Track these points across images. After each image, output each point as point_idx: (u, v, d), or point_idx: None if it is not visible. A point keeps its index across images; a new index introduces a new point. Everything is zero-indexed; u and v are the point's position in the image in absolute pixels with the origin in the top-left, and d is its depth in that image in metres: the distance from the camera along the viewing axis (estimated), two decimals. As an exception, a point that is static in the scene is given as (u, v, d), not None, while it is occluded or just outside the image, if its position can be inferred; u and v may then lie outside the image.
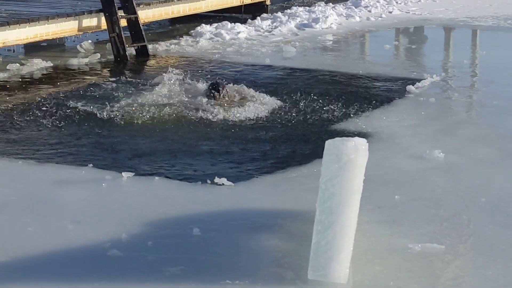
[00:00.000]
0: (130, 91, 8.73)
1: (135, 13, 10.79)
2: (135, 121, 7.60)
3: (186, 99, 8.21)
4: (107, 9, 10.61)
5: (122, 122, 7.57)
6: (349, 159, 4.24)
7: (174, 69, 8.75)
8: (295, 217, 5.25)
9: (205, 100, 8.13)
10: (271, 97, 8.46)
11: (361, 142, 4.34)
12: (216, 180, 5.94)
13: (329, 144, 4.33)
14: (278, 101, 8.36)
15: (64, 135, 7.09)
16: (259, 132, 7.32)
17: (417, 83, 9.13)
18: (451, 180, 6.06)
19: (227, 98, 8.22)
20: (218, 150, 6.76)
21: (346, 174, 4.22)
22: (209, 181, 5.93)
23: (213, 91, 8.18)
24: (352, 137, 6.90)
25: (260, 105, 8.05)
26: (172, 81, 8.45)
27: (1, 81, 9.14)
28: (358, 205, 4.34)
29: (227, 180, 5.94)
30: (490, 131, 7.48)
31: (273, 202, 5.59)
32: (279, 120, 7.70)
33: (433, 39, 13.11)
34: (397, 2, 16.13)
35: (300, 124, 7.59)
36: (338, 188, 4.22)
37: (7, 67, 9.65)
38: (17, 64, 9.78)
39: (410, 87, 8.93)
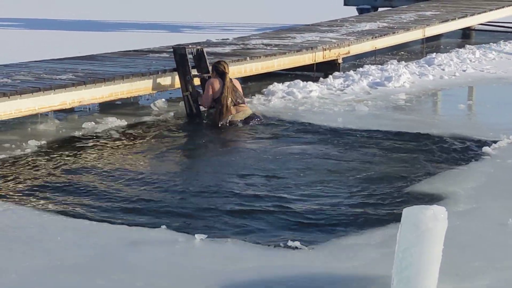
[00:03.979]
0: (204, 149, 8.73)
1: (208, 72, 10.87)
2: (209, 181, 7.61)
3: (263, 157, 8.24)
4: (181, 68, 10.72)
5: (196, 182, 7.58)
6: (428, 228, 4.15)
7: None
8: (369, 284, 5.14)
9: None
10: (343, 155, 8.42)
11: (440, 211, 4.25)
12: (290, 243, 5.89)
13: (407, 212, 4.25)
14: (351, 161, 8.32)
15: (138, 195, 7.12)
16: (331, 191, 7.24)
17: (493, 144, 8.94)
18: (532, 247, 5.88)
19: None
20: (288, 210, 6.71)
21: (425, 244, 4.13)
22: (282, 244, 5.89)
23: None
24: (427, 200, 6.87)
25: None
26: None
27: (77, 139, 9.27)
28: (437, 275, 4.24)
29: (300, 243, 5.88)
30: None
31: (348, 268, 5.49)
32: (351, 181, 7.62)
33: (509, 98, 12.90)
34: (470, 61, 15.95)
35: (373, 184, 7.49)
36: (416, 257, 4.13)
37: (83, 126, 9.78)
38: (92, 123, 9.91)
39: (486, 148, 8.75)
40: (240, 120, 10.10)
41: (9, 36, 20.72)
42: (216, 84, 10.34)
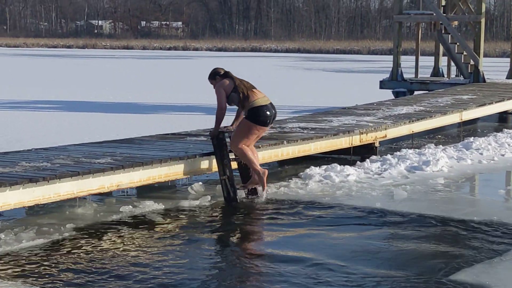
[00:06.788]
0: (242, 236, 8.66)
1: (245, 157, 10.89)
2: (245, 269, 7.54)
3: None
4: (219, 152, 10.75)
5: (232, 271, 7.52)
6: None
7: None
8: None
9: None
10: (380, 241, 8.32)
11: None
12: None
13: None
14: (387, 248, 8.22)
15: (174, 283, 7.07)
16: (365, 280, 7.14)
17: (536, 231, 8.82)
18: None
19: None
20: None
21: None
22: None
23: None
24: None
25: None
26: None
27: (114, 223, 9.28)
28: None
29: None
30: None
31: None
32: (387, 268, 7.50)
33: (549, 183, 12.74)
34: (509, 145, 15.83)
35: (413, 271, 7.37)
36: None
37: (120, 209, 9.80)
38: (130, 206, 9.93)
39: (528, 236, 8.62)
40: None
41: (49, 118, 21.01)
42: (226, 82, 10.72)
